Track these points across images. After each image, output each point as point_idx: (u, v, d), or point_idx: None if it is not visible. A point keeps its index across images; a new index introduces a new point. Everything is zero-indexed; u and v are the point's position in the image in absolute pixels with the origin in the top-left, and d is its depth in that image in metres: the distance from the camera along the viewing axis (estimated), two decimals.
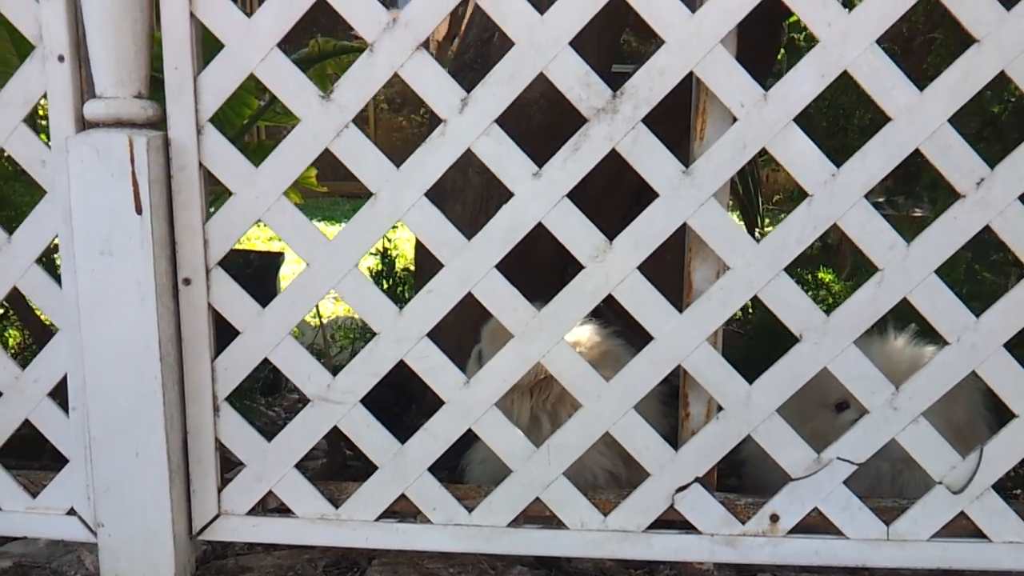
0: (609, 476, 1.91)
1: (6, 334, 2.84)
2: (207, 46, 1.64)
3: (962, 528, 1.68)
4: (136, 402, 1.64)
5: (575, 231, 1.61)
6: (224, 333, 1.73)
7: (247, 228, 1.66)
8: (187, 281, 1.67)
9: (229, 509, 1.77)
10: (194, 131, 1.62)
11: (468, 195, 2.52)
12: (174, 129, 1.62)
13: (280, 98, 1.60)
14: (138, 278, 1.60)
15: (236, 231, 1.66)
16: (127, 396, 1.64)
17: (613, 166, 1.61)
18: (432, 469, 1.74)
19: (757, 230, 4.00)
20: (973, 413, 1.83)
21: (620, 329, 1.95)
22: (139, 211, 1.58)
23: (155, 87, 1.63)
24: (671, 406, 1.84)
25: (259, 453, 1.74)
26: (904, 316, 1.77)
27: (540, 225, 1.61)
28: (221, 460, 1.77)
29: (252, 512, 1.78)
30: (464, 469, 2.07)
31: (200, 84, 1.61)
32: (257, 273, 3.41)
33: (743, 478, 2.17)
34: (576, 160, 1.58)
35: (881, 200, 3.39)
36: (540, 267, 2.42)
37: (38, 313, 2.37)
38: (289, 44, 1.65)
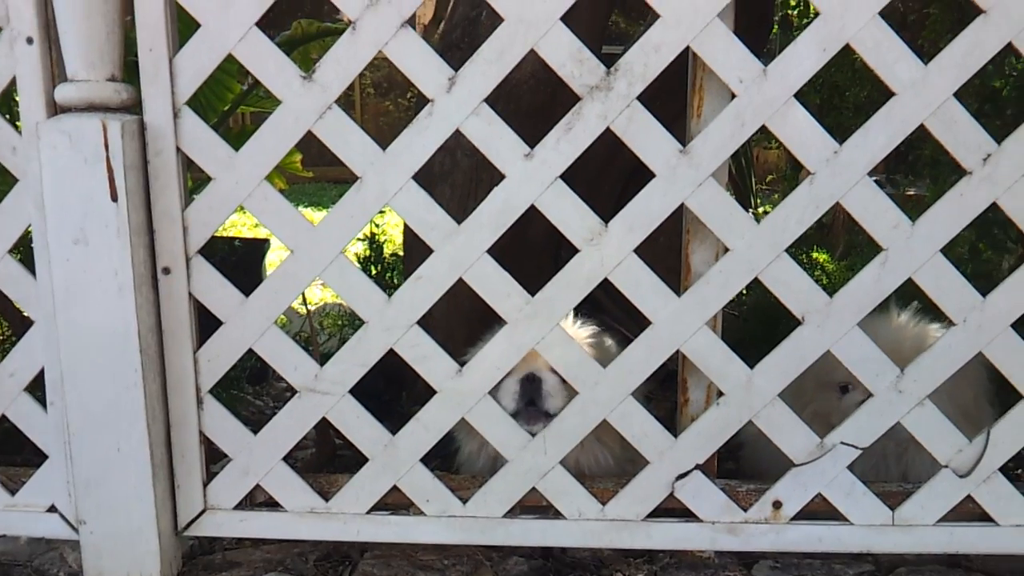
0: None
1: None
2: (183, 27, 1.58)
3: (969, 512, 1.64)
4: (116, 396, 1.59)
5: (569, 214, 1.55)
6: (207, 323, 1.67)
7: (228, 214, 1.60)
8: (166, 270, 1.61)
9: (215, 504, 1.72)
10: (171, 115, 1.56)
11: (457, 178, 2.46)
12: (150, 113, 1.56)
13: (260, 79, 1.55)
14: (115, 268, 1.54)
15: (216, 218, 1.60)
16: (107, 389, 1.58)
17: (608, 145, 1.56)
18: (424, 459, 1.70)
19: (750, 210, 3.94)
20: (979, 394, 1.78)
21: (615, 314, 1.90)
22: (114, 198, 1.51)
23: (132, 71, 1.57)
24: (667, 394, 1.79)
25: (245, 446, 1.69)
26: (907, 296, 1.73)
27: (532, 207, 1.56)
28: (207, 449, 1.71)
29: (239, 507, 1.73)
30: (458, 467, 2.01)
31: (176, 66, 1.55)
32: (242, 261, 3.35)
33: (741, 461, 2.13)
34: (569, 140, 1.52)
35: (880, 178, 3.34)
36: (532, 249, 2.37)
37: (17, 306, 2.30)
38: (273, 28, 1.58)
